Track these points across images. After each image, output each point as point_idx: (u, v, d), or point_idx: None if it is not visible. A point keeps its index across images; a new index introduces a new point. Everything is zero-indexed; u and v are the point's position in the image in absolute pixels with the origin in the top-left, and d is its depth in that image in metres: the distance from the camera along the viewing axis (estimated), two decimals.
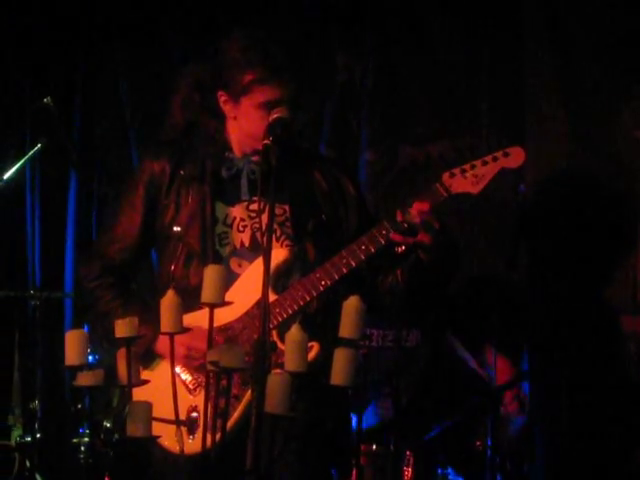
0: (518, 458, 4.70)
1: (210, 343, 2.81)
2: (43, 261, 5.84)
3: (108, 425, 5.07)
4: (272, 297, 3.14)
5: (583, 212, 4.45)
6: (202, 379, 3.14)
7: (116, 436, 5.00)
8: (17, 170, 5.04)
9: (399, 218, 3.21)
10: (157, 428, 2.72)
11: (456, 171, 3.22)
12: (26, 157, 5.08)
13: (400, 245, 3.26)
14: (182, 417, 3.05)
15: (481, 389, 4.76)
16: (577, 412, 4.32)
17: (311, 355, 3.06)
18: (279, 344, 3.14)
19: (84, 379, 2.74)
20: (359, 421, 4.45)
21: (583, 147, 4.50)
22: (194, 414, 3.17)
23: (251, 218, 3.32)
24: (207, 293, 2.78)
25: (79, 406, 5.21)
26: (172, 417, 2.90)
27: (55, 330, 5.48)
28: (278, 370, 2.72)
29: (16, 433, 5.51)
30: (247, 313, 3.24)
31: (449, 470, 4.70)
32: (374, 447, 4.71)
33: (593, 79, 4.47)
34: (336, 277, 3.20)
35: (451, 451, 4.74)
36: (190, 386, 3.24)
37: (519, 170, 3.36)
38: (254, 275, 3.17)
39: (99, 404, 5.17)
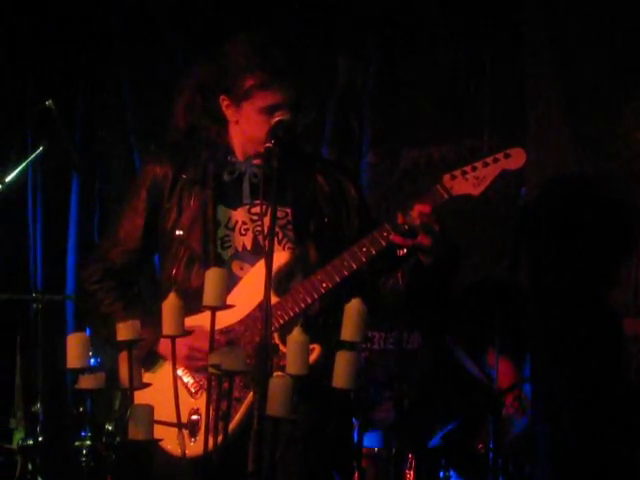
0: (520, 460, 4.69)
1: (212, 346, 2.81)
2: (45, 264, 5.84)
3: (110, 428, 5.06)
4: (274, 299, 3.14)
5: (584, 213, 4.46)
6: (204, 382, 3.15)
7: (118, 439, 4.99)
8: (19, 173, 5.03)
9: (400, 220, 3.20)
10: (159, 431, 2.72)
11: (457, 173, 3.22)
12: (28, 160, 5.06)
13: (401, 247, 3.26)
14: (184, 420, 3.05)
15: (483, 392, 4.76)
16: (579, 414, 4.32)
17: (312, 357, 3.06)
18: (281, 346, 3.14)
19: (86, 382, 2.74)
20: (361, 424, 4.46)
21: (583, 148, 4.50)
22: (196, 417, 3.17)
23: (253, 221, 3.33)
24: (208, 296, 2.78)
25: (81, 409, 5.20)
26: (174, 420, 2.90)
27: (57, 333, 5.46)
28: (280, 373, 2.72)
29: (18, 436, 5.50)
30: (249, 315, 3.24)
31: (451, 473, 4.69)
32: (376, 450, 4.71)
33: (593, 79, 4.47)
34: (337, 279, 3.20)
35: (453, 454, 4.74)
36: (192, 389, 3.24)
37: (520, 171, 3.36)
38: (256, 278, 3.17)
39: (101, 407, 5.18)
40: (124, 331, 2.77)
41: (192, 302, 2.96)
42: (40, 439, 5.11)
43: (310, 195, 3.38)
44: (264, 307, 2.76)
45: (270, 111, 3.24)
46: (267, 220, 2.93)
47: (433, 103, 5.22)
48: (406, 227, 3.19)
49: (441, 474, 4.69)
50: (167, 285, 3.28)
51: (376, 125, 5.35)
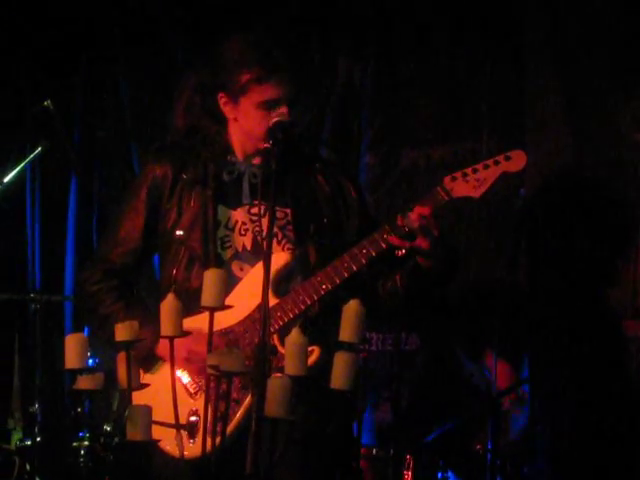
0: (518, 460, 4.69)
1: (210, 347, 2.81)
2: (43, 264, 5.84)
3: (108, 429, 5.06)
4: (273, 301, 3.14)
5: (583, 214, 4.46)
6: (203, 383, 3.14)
7: (116, 440, 4.99)
8: (17, 173, 5.03)
9: (399, 222, 3.20)
10: (157, 432, 2.72)
11: (457, 175, 3.22)
12: (26, 160, 5.07)
13: (399, 249, 3.26)
14: (183, 421, 3.04)
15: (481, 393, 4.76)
16: (578, 414, 4.32)
17: (312, 359, 3.06)
18: (279, 348, 3.14)
19: (84, 382, 2.74)
20: (359, 425, 4.46)
21: (583, 149, 4.50)
22: (195, 418, 3.17)
23: (253, 221, 3.32)
24: (207, 297, 2.78)
25: (79, 410, 5.19)
26: (173, 421, 2.90)
27: (55, 333, 5.47)
28: (278, 374, 2.72)
29: (16, 436, 5.50)
30: (249, 317, 3.24)
31: (449, 473, 4.69)
32: (374, 451, 4.71)
33: (593, 80, 4.47)
34: (337, 281, 3.20)
35: (451, 454, 4.73)
36: (191, 390, 3.23)
37: (520, 173, 3.36)
38: (255, 279, 3.16)
39: (99, 408, 5.17)
40: (122, 332, 2.77)
41: (192, 303, 2.96)
42: (38, 439, 5.11)
43: (310, 195, 3.38)
44: (262, 308, 2.76)
45: (268, 106, 3.23)
46: (266, 221, 2.92)
47: (432, 104, 5.22)
48: (406, 229, 3.19)
49: (439, 475, 4.68)
50: (167, 285, 3.27)
51: (375, 125, 5.35)
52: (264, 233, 2.93)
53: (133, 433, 2.63)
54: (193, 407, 3.18)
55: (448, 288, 3.43)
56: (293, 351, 2.63)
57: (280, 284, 3.24)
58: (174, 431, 2.96)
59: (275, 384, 2.58)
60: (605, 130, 4.47)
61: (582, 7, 4.51)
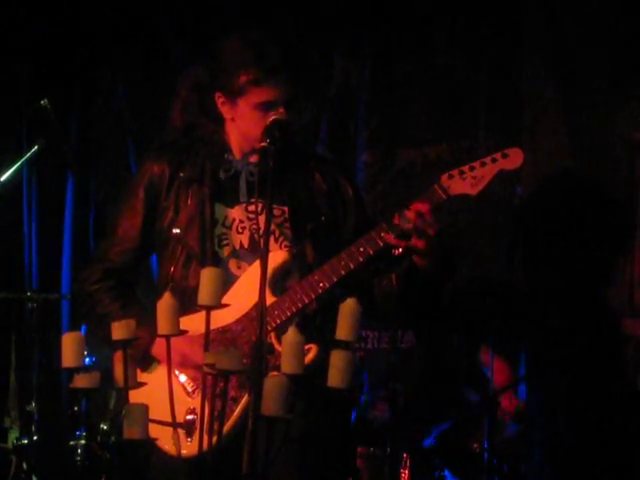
0: (515, 460, 4.69)
1: (207, 346, 2.81)
2: (40, 263, 5.84)
3: (105, 427, 5.06)
4: (271, 299, 3.14)
5: (580, 213, 4.46)
6: (201, 381, 3.13)
7: (113, 438, 4.99)
8: (14, 172, 5.03)
9: (396, 221, 3.20)
10: (155, 430, 2.72)
11: (455, 173, 3.21)
12: (23, 159, 5.07)
13: (396, 247, 3.25)
14: (180, 419, 3.04)
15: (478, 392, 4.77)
16: (575, 413, 4.32)
17: (309, 357, 3.06)
18: (276, 346, 3.13)
19: (81, 381, 2.73)
20: (355, 422, 4.46)
21: (581, 148, 4.51)
22: (192, 416, 3.16)
23: (250, 219, 3.32)
24: (203, 295, 2.78)
25: (76, 408, 5.19)
26: (170, 419, 2.89)
27: (52, 332, 5.47)
28: (275, 372, 2.72)
29: (13, 435, 5.51)
30: (246, 315, 3.24)
31: (446, 472, 4.69)
32: (371, 449, 4.71)
33: (590, 79, 4.47)
34: (334, 279, 3.20)
35: (448, 453, 4.74)
36: (188, 388, 3.23)
37: (516, 170, 3.36)
38: (253, 277, 3.16)
39: (96, 406, 5.17)
40: (119, 330, 2.76)
41: (190, 301, 2.95)
42: (35, 438, 5.12)
43: (307, 193, 3.38)
44: (259, 306, 2.76)
45: (265, 108, 3.23)
46: (263, 219, 2.92)
47: (429, 103, 5.22)
48: (402, 228, 3.18)
49: (436, 473, 4.69)
50: (164, 284, 3.28)
51: (372, 125, 5.35)
52: (261, 231, 2.92)
53: (130, 432, 2.62)
54: (191, 406, 3.18)
55: (445, 288, 3.43)
56: (290, 349, 2.63)
57: (277, 282, 3.24)
58: (171, 430, 2.96)
59: (272, 383, 2.58)
60: (602, 130, 4.47)
61: (579, 7, 4.52)
